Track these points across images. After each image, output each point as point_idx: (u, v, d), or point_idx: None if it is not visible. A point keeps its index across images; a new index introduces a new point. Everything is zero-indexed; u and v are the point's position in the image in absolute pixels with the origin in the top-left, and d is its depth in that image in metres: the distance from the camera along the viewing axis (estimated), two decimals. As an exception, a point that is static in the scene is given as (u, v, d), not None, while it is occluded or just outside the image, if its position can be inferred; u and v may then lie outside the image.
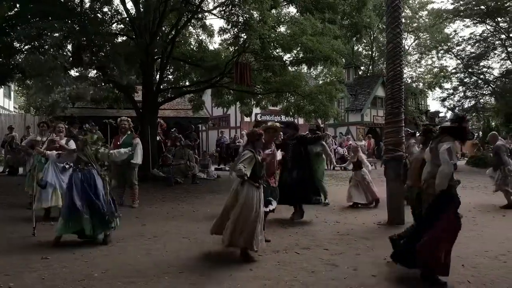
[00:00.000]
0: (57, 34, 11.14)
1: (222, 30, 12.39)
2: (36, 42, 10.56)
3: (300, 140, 7.44)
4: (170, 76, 16.33)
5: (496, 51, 27.57)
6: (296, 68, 14.49)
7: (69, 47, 11.63)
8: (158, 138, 15.28)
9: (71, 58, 11.40)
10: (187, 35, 15.54)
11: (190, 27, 15.08)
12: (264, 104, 15.80)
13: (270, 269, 4.58)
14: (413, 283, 4.20)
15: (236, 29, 11.81)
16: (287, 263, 4.81)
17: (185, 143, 14.23)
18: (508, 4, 24.27)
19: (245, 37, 11.56)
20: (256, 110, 19.83)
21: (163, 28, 14.34)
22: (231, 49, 13.28)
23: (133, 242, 5.81)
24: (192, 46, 15.26)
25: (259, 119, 23.80)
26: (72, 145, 6.80)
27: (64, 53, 11.81)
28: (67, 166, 6.61)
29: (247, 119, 24.09)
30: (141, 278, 4.24)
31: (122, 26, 14.37)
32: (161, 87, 14.50)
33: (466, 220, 7.55)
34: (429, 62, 36.10)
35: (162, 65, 13.91)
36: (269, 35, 11.22)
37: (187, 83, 15.56)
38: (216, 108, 23.46)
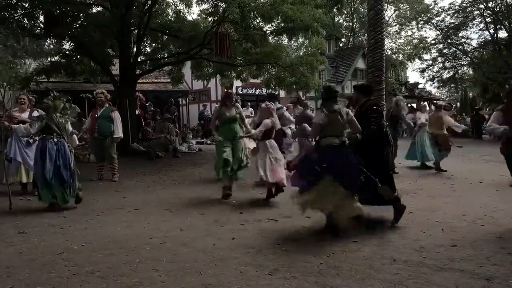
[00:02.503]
0: (26, 4, 10.71)
1: (201, 0, 12.05)
2: (5, 13, 10.12)
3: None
4: (148, 48, 15.90)
5: (474, 21, 27.69)
6: (276, 38, 14.26)
7: (41, 18, 11.21)
8: (137, 112, 15.02)
9: (42, 29, 10.99)
10: (164, 5, 15.07)
11: (167, -3, 14.65)
12: (244, 76, 15.57)
13: (253, 238, 4.57)
14: (394, 246, 4.25)
15: (214, -2, 11.48)
16: (270, 231, 4.81)
17: (165, 116, 14.01)
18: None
19: (224, 6, 11.25)
20: (237, 83, 19.59)
21: (140, -2, 13.88)
22: (210, 19, 12.93)
23: (113, 215, 5.73)
24: (170, 17, 14.82)
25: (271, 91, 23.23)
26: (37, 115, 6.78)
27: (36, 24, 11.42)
28: (31, 141, 6.64)
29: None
30: (121, 250, 4.18)
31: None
32: (139, 59, 14.13)
33: (445, 187, 7.73)
34: (409, 33, 36.23)
35: (139, 36, 13.49)
36: (248, 4, 10.92)
37: (166, 55, 15.19)
38: (196, 81, 23.11)
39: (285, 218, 5.43)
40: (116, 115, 8.56)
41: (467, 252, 4.00)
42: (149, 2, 13.13)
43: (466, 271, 3.52)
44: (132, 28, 13.42)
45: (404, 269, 3.61)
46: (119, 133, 8.53)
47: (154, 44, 15.45)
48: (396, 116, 9.10)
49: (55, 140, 5.91)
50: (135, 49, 13.71)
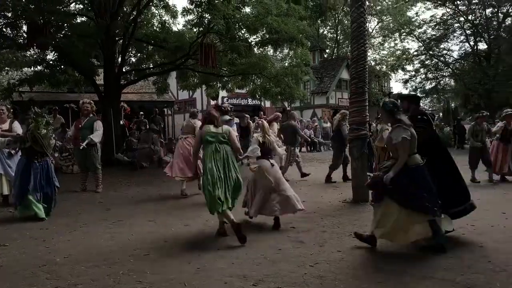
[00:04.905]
0: (9, 14, 10.63)
1: (186, 11, 12.13)
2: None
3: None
4: (133, 58, 15.91)
5: (455, 34, 28.38)
6: (262, 49, 14.41)
7: (25, 27, 11.14)
8: (121, 122, 14.95)
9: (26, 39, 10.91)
10: (149, 15, 15.12)
11: (152, 8, 14.68)
12: (230, 86, 15.66)
13: (238, 248, 4.57)
14: (378, 256, 4.29)
15: (199, 9, 11.56)
16: (255, 241, 4.81)
17: (151, 126, 13.96)
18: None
19: (209, 17, 11.34)
20: (223, 93, 19.66)
21: (124, 9, 13.89)
22: (195, 30, 13.02)
23: (96, 226, 5.67)
24: (155, 27, 14.87)
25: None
26: (17, 127, 6.80)
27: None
28: (13, 152, 6.63)
29: (213, 102, 23.89)
30: (105, 262, 4.14)
31: (81, 6, 13.82)
32: (124, 69, 14.11)
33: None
34: (392, 44, 36.78)
35: (124, 46, 13.49)
36: (233, 15, 11.05)
37: (151, 66, 15.19)
38: (181, 91, 23.07)
39: (269, 229, 5.44)
40: (99, 124, 8.49)
41: (449, 261, 4.06)
42: (134, 13, 13.15)
43: (448, 280, 3.58)
44: (117, 38, 13.41)
45: (388, 278, 3.65)
46: (94, 139, 8.25)
47: (139, 54, 15.48)
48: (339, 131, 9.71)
49: (39, 160, 6.02)
50: (120, 59, 13.69)
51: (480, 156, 9.46)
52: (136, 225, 5.74)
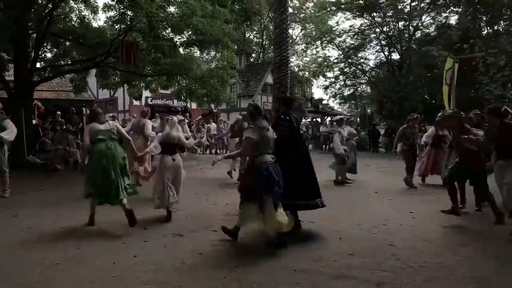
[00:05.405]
0: None
1: (107, 7, 11.61)
2: None
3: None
4: (48, 54, 14.87)
5: (372, 44, 30.21)
6: (187, 50, 14.22)
7: None
8: (34, 121, 13.92)
9: None
10: (67, 9, 14.24)
11: (71, 1, 13.85)
12: (154, 87, 15.24)
13: (156, 254, 4.43)
14: (294, 257, 4.40)
15: (121, 6, 11.13)
16: (174, 246, 4.72)
17: (67, 127, 13.15)
18: (382, 0, 26.62)
19: (131, 14, 10.96)
20: (146, 93, 19.09)
21: (39, 1, 12.97)
22: (117, 27, 12.50)
23: (3, 235, 5.20)
24: (73, 22, 14.03)
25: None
26: None
27: None
28: None
29: (136, 102, 23.16)
30: (7, 275, 3.81)
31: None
32: (37, 65, 13.15)
33: (344, 198, 8.22)
34: (314, 51, 38.19)
35: (38, 41, 12.57)
36: (157, 14, 10.78)
37: (69, 62, 14.32)
38: (101, 90, 22.03)
39: (191, 232, 5.35)
40: (9, 123, 7.80)
41: (362, 260, 4.28)
42: (50, 6, 12.32)
43: (359, 278, 3.77)
44: (30, 32, 12.47)
45: (304, 279, 3.75)
46: (5, 136, 7.52)
47: (55, 50, 14.49)
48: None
49: None
50: (33, 54, 12.73)
51: (413, 158, 9.60)
52: (46, 232, 5.36)
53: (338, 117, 11.24)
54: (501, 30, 25.25)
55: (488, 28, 25.97)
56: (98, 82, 17.72)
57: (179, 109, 23.01)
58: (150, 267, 4.01)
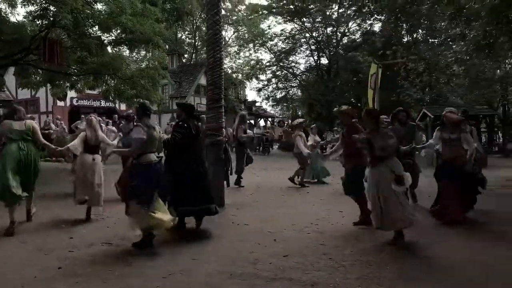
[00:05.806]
0: None
1: (27, 1, 10.77)
2: None
3: None
4: (-43, 50, 13.52)
5: (302, 48, 31.10)
6: (116, 49, 13.64)
7: None
8: None
9: None
10: (-21, 1, 13.06)
11: (-16, -7, 12.71)
12: (80, 87, 14.44)
13: (83, 265, 4.16)
14: (229, 261, 4.35)
15: (43, 1, 10.40)
16: (102, 256, 4.46)
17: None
18: (311, 6, 27.51)
19: (54, 10, 10.28)
20: (72, 93, 18.06)
21: None
22: (38, 23, 11.66)
23: None
24: (-13, 16, 12.89)
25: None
26: None
27: None
28: None
29: (60, 103, 21.86)
30: None
31: None
32: None
33: (278, 199, 8.33)
34: (247, 54, 38.52)
35: None
36: (83, 11, 10.21)
37: (-19, 59, 13.13)
38: (21, 90, 20.50)
39: (120, 240, 5.09)
40: None
41: (296, 260, 4.32)
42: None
43: (295, 279, 3.80)
44: None
45: (240, 283, 3.71)
46: None
47: (-35, 45, 13.22)
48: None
49: None
50: None
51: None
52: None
53: (298, 120, 11.89)
54: (419, 38, 27.18)
55: (409, 36, 27.82)
56: (17, 81, 16.44)
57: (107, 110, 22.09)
58: (77, 280, 3.74)
